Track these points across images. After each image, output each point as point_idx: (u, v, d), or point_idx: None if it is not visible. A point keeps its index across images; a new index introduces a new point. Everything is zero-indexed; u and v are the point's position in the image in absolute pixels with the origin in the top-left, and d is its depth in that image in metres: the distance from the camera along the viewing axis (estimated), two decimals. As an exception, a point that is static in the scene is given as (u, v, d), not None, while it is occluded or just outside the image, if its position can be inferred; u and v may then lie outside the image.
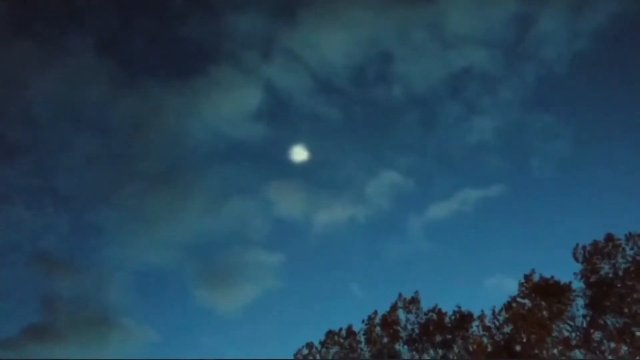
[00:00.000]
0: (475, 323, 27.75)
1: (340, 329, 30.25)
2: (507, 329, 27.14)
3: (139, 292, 49.94)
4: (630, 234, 26.14)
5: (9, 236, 49.94)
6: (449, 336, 27.92)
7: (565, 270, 27.06)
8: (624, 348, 24.92)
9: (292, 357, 30.77)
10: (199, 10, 54.98)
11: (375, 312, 29.47)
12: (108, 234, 52.10)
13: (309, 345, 30.67)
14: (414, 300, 29.04)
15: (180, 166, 55.57)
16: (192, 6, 54.48)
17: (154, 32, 55.03)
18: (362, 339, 29.35)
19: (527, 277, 27.36)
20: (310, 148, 55.30)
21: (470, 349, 27.29)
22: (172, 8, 54.42)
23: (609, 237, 26.49)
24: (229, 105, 53.44)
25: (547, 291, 26.84)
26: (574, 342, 25.94)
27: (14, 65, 50.70)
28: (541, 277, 27.30)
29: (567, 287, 26.59)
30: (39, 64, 52.20)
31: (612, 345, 25.19)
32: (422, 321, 28.58)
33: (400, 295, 29.34)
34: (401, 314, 29.06)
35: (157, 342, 45.38)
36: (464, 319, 28.06)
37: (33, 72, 52.19)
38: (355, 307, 46.46)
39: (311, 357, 30.47)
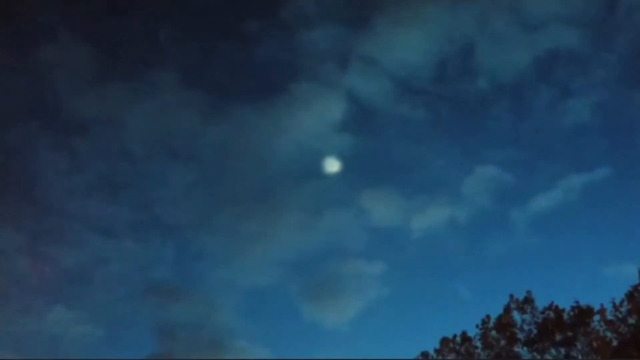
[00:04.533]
0: (597, 317, 26.61)
1: (455, 336, 29.70)
2: (631, 321, 25.88)
3: (248, 312, 50.92)
4: None
5: (122, 270, 52.55)
6: (569, 334, 26.80)
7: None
8: None
9: (409, 366, 30.62)
10: (273, 30, 55.82)
11: (489, 316, 28.83)
12: (212, 258, 53.70)
13: (424, 354, 30.32)
14: (528, 300, 28.12)
15: (272, 185, 56.46)
16: (267, 27, 55.38)
17: (234, 57, 56.34)
18: (479, 344, 28.78)
19: (647, 264, 26.05)
20: (400, 152, 54.88)
21: (595, 344, 26.17)
22: (248, 32, 55.44)
23: None
24: (314, 119, 53.67)
25: (670, 276, 25.45)
26: None
27: (108, 107, 53.76)
28: (662, 262, 25.95)
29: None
30: (130, 103, 54.93)
31: None
32: (539, 320, 27.64)
33: (512, 296, 28.48)
34: (516, 315, 28.32)
35: (271, 360, 46.21)
36: (583, 314, 26.86)
37: (125, 111, 54.90)
38: (464, 310, 45.22)
39: (428, 366, 30.20)
